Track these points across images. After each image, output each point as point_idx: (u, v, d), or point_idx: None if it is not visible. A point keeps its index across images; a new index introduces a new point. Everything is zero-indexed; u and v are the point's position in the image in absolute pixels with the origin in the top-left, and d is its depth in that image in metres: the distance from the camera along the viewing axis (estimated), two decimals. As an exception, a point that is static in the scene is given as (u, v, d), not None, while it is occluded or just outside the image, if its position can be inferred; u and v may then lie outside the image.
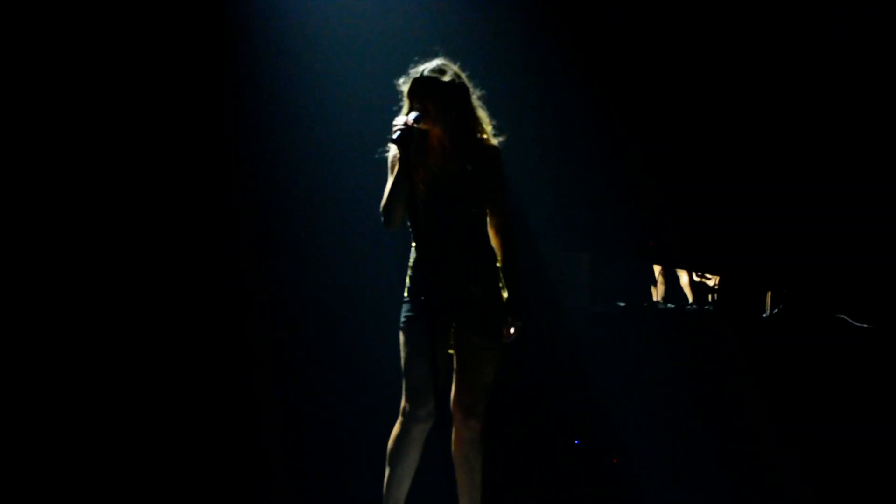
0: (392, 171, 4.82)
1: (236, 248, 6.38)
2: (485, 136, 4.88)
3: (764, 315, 6.80)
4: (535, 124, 6.90)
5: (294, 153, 6.48)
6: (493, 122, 4.94)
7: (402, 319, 4.85)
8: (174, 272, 6.15)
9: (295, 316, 6.53)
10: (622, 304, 7.13)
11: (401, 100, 4.87)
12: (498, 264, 4.87)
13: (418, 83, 4.78)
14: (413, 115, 4.67)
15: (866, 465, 6.00)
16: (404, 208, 4.73)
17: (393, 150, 4.86)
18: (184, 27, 6.13)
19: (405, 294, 4.87)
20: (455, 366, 4.84)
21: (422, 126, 4.70)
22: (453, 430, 4.86)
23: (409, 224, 4.85)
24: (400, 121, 4.65)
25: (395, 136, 4.59)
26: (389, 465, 4.83)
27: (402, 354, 4.82)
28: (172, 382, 6.11)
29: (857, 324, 6.40)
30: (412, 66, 4.86)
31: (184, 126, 6.17)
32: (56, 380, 5.86)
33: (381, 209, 4.76)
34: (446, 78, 4.80)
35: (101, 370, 5.96)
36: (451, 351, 4.81)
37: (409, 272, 4.88)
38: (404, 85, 4.84)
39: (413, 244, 4.87)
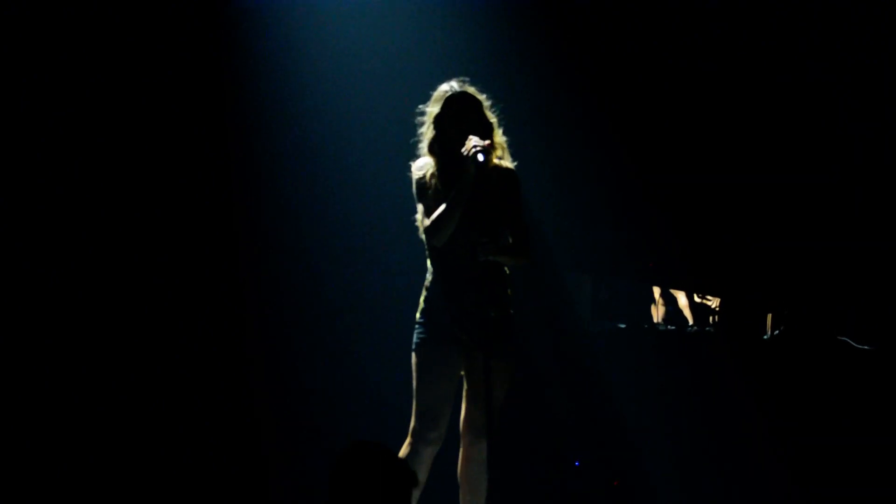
0: (422, 192, 4.79)
1: (237, 253, 6.41)
2: (502, 159, 4.88)
3: (765, 337, 6.83)
4: (539, 143, 6.93)
5: (296, 154, 6.55)
6: (510, 142, 4.93)
7: (416, 341, 4.82)
8: (173, 276, 6.16)
9: (295, 321, 6.58)
10: (623, 326, 7.14)
11: (421, 122, 4.87)
12: (509, 291, 4.85)
13: (457, 99, 4.78)
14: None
15: (869, 483, 6.01)
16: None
17: (419, 172, 4.83)
18: (184, 27, 6.16)
19: (418, 315, 4.85)
20: (466, 387, 4.82)
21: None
22: (461, 450, 4.84)
23: (426, 246, 4.84)
24: (477, 142, 4.60)
25: (480, 159, 4.55)
26: None
27: (415, 376, 4.80)
28: (169, 385, 6.12)
29: (858, 345, 6.42)
30: (431, 90, 4.87)
31: (184, 127, 6.20)
32: (53, 379, 5.87)
33: (430, 226, 4.71)
34: (482, 97, 4.83)
35: (97, 369, 5.97)
36: (462, 373, 4.80)
37: (425, 293, 4.85)
38: (433, 105, 4.83)
39: (429, 264, 4.85)
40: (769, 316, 6.88)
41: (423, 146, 4.88)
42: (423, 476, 4.79)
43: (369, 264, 6.57)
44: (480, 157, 4.56)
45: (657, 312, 7.60)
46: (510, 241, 4.80)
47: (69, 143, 5.88)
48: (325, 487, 6.06)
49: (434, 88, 4.89)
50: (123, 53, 5.96)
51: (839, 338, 6.48)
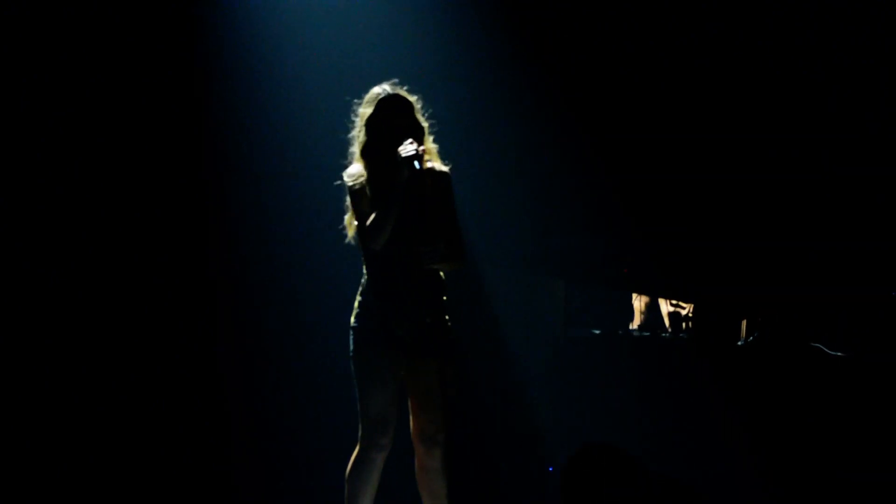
0: (356, 199, 4.74)
1: (212, 253, 6.41)
2: (435, 162, 4.82)
3: (739, 343, 6.89)
4: (512, 149, 6.97)
5: (274, 155, 6.54)
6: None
7: (353, 348, 4.78)
8: (147, 277, 6.16)
9: (267, 321, 6.58)
10: (597, 332, 7.19)
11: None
12: (445, 296, 4.81)
13: (390, 100, 4.74)
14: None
15: (844, 491, 6.11)
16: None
17: (350, 180, 4.77)
18: (183, 27, 6.18)
19: (353, 320, 4.80)
20: (411, 396, 4.80)
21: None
22: (416, 460, 4.83)
23: (361, 250, 4.81)
24: (411, 148, 4.58)
25: (416, 166, 4.53)
26: (349, 491, 4.79)
27: (357, 384, 4.76)
28: (144, 385, 6.13)
29: (832, 352, 6.50)
30: (364, 92, 4.82)
31: (160, 127, 6.19)
32: (53, 379, 5.89)
33: (368, 230, 4.65)
34: (413, 99, 4.79)
35: (97, 369, 5.99)
36: (402, 372, 4.76)
37: (359, 297, 4.80)
38: (365, 107, 4.79)
39: (365, 269, 4.81)
40: (743, 322, 6.94)
41: (355, 149, 4.83)
42: (376, 480, 4.79)
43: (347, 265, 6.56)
44: (417, 165, 4.53)
45: (633, 318, 7.64)
46: (444, 246, 4.72)
47: (69, 143, 5.88)
48: (298, 486, 6.08)
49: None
50: (123, 54, 5.97)
51: (813, 344, 6.55)
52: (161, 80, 6.08)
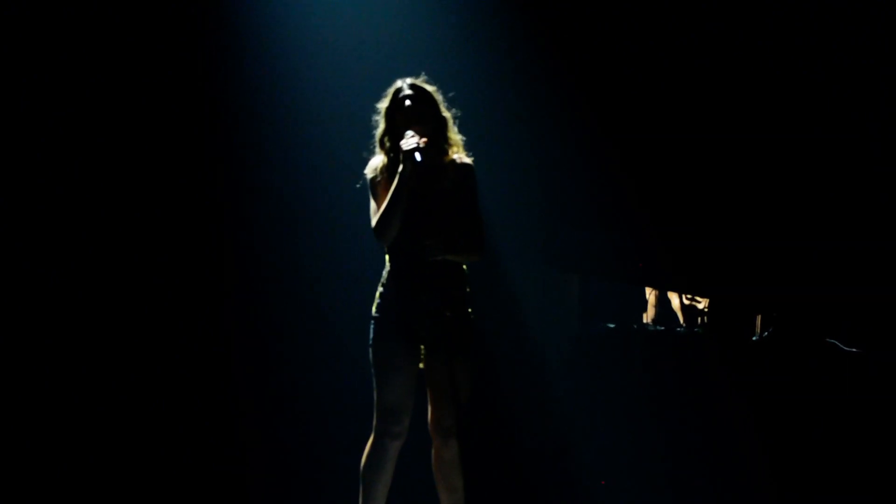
0: (378, 190, 4.76)
1: (221, 251, 6.42)
2: (458, 154, 4.83)
3: (754, 338, 6.86)
4: (528, 143, 6.95)
5: (280, 153, 6.52)
6: (464, 140, 4.89)
7: (372, 337, 4.80)
8: (173, 276, 6.19)
9: (277, 318, 6.57)
10: (611, 326, 7.17)
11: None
12: (468, 289, 4.82)
13: (410, 91, 4.76)
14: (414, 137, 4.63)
15: (853, 487, 6.07)
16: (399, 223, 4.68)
17: (371, 171, 4.81)
18: (184, 27, 6.18)
19: (374, 310, 4.81)
20: (429, 388, 4.81)
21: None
22: (433, 452, 4.84)
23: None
24: (413, 140, 4.58)
25: (418, 159, 4.52)
26: (364, 482, 4.80)
27: (374, 373, 4.79)
28: (150, 383, 6.14)
29: (847, 348, 6.46)
30: (387, 87, 4.82)
31: (184, 127, 6.21)
32: (53, 379, 5.90)
33: (375, 225, 4.69)
34: (431, 89, 4.81)
35: (97, 369, 6.01)
36: (421, 365, 4.77)
37: (381, 289, 4.81)
38: (385, 99, 4.80)
39: (387, 261, 4.81)
40: (758, 317, 6.91)
41: (375, 141, 4.85)
42: (390, 471, 4.80)
43: (349, 250, 6.55)
44: (418, 157, 4.53)
45: (647, 313, 7.62)
46: (461, 237, 4.73)
47: (69, 143, 5.90)
48: (311, 483, 6.07)
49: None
50: (123, 53, 5.98)
51: (828, 340, 6.51)
52: (161, 80, 6.09)
